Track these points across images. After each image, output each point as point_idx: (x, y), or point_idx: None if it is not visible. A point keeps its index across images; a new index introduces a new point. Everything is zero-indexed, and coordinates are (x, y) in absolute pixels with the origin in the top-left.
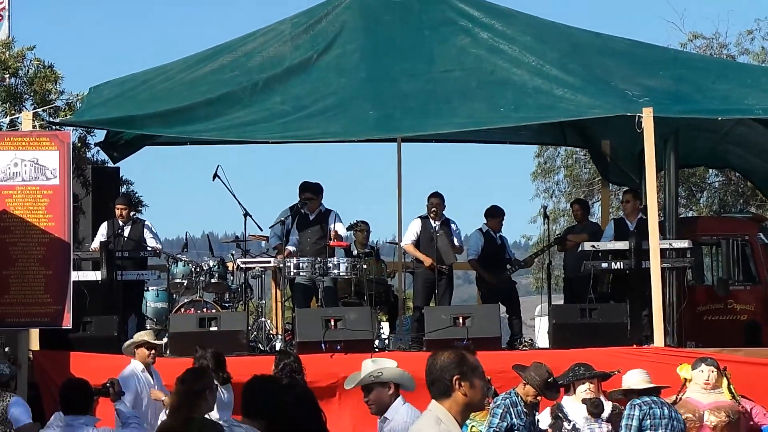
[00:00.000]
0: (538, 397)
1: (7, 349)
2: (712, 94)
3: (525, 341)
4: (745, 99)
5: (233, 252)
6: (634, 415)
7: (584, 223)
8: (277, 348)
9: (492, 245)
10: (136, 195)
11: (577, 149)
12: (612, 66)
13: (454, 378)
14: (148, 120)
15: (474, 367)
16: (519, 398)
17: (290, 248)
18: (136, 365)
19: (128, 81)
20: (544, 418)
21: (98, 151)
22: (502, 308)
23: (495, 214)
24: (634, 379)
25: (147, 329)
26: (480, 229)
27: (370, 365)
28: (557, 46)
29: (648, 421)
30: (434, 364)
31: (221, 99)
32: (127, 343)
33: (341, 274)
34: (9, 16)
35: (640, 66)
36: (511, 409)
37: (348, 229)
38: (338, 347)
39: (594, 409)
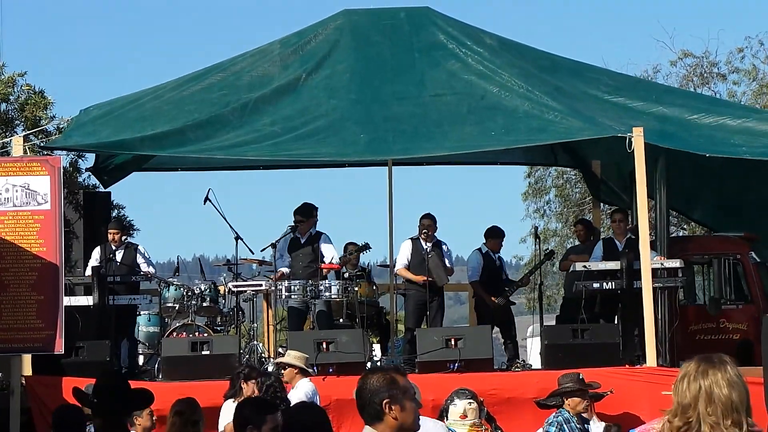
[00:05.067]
0: (586, 404)
1: None
2: (697, 133)
3: (518, 362)
4: (730, 139)
5: (225, 275)
6: None
7: (587, 243)
8: (269, 371)
9: (491, 266)
10: (128, 219)
11: (568, 169)
12: (596, 108)
13: (384, 401)
14: (138, 143)
15: (405, 389)
16: (570, 414)
17: (283, 270)
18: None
19: (117, 101)
20: None
21: (89, 175)
22: (495, 330)
23: (495, 235)
24: None
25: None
26: (479, 250)
27: None
28: (543, 89)
29: None
30: (364, 388)
31: (211, 121)
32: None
33: (333, 296)
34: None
35: (622, 110)
36: (564, 426)
37: (358, 250)
38: (330, 370)
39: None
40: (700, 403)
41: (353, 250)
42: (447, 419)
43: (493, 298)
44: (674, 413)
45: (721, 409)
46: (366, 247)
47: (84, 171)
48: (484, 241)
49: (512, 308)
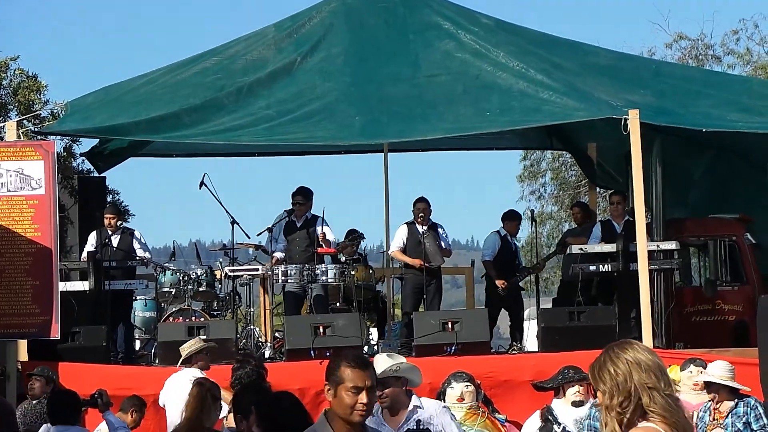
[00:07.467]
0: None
1: None
2: (694, 110)
3: (514, 345)
4: (726, 116)
5: (221, 260)
6: (761, 413)
7: (583, 226)
8: (266, 355)
9: (507, 250)
10: (123, 204)
11: (564, 152)
12: (593, 83)
13: (325, 385)
14: (133, 127)
15: (341, 379)
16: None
17: (278, 255)
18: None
19: (110, 88)
20: (533, 421)
21: (84, 160)
22: (503, 312)
23: (512, 218)
24: (720, 372)
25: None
26: (497, 232)
27: (387, 360)
28: (539, 66)
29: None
30: None
31: (206, 105)
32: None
33: (329, 280)
34: None
35: (621, 83)
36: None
37: (352, 241)
38: (327, 354)
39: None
40: (634, 373)
41: (348, 242)
42: (444, 402)
43: (498, 283)
44: (610, 394)
45: (654, 374)
46: (360, 237)
47: (78, 156)
48: (501, 224)
49: None
